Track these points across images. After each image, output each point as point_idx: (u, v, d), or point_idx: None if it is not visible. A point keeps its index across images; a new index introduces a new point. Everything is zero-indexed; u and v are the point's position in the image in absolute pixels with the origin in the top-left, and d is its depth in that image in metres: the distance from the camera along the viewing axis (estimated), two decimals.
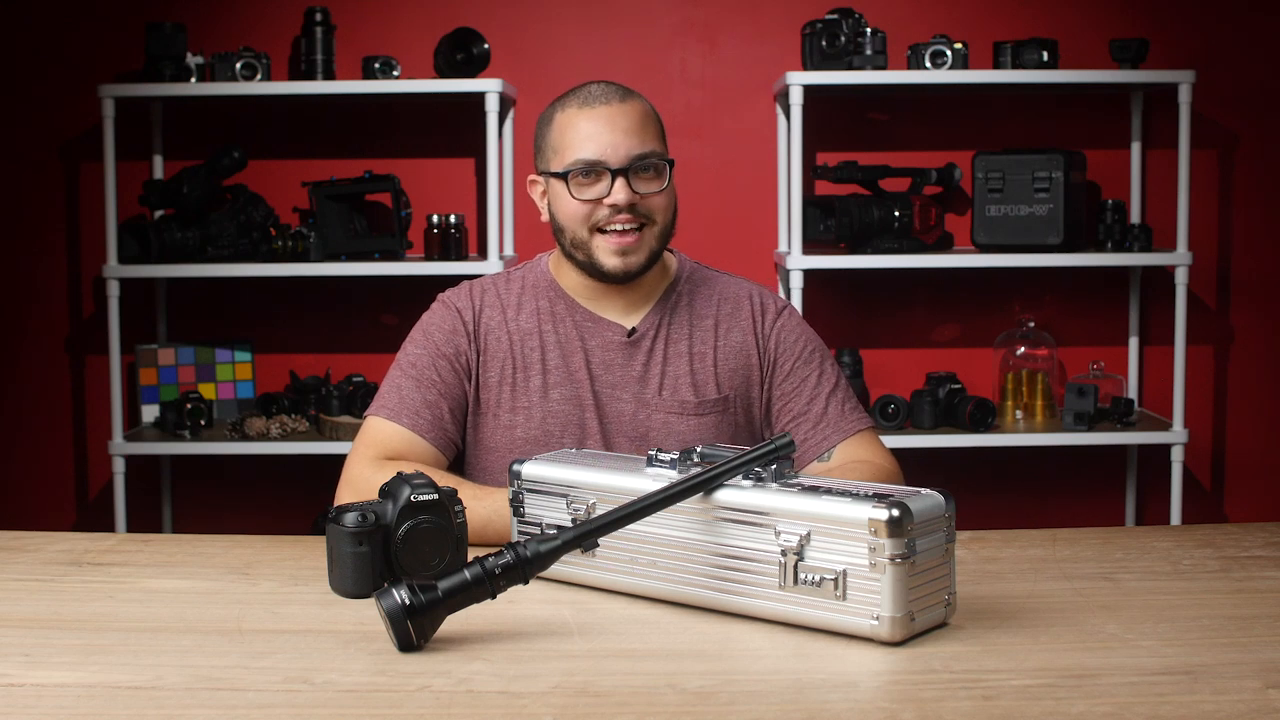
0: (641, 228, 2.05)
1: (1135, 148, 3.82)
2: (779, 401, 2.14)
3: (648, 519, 1.58)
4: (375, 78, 3.60)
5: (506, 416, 2.11)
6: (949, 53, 3.55)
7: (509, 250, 3.69)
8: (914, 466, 3.72)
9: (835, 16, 3.57)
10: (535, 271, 2.18)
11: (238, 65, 3.55)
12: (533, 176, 2.14)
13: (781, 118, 3.74)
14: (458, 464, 2.16)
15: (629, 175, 2.02)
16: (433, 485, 1.68)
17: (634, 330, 2.12)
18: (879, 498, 1.49)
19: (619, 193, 2.02)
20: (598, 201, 2.03)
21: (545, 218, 2.13)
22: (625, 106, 2.04)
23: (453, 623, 1.51)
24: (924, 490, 1.53)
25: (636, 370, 2.11)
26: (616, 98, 2.05)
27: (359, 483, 1.97)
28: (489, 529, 1.88)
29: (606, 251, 2.04)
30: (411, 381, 2.08)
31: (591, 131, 2.02)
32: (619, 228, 2.03)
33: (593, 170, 2.02)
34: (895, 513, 1.46)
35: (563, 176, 2.04)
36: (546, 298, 2.14)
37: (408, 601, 1.46)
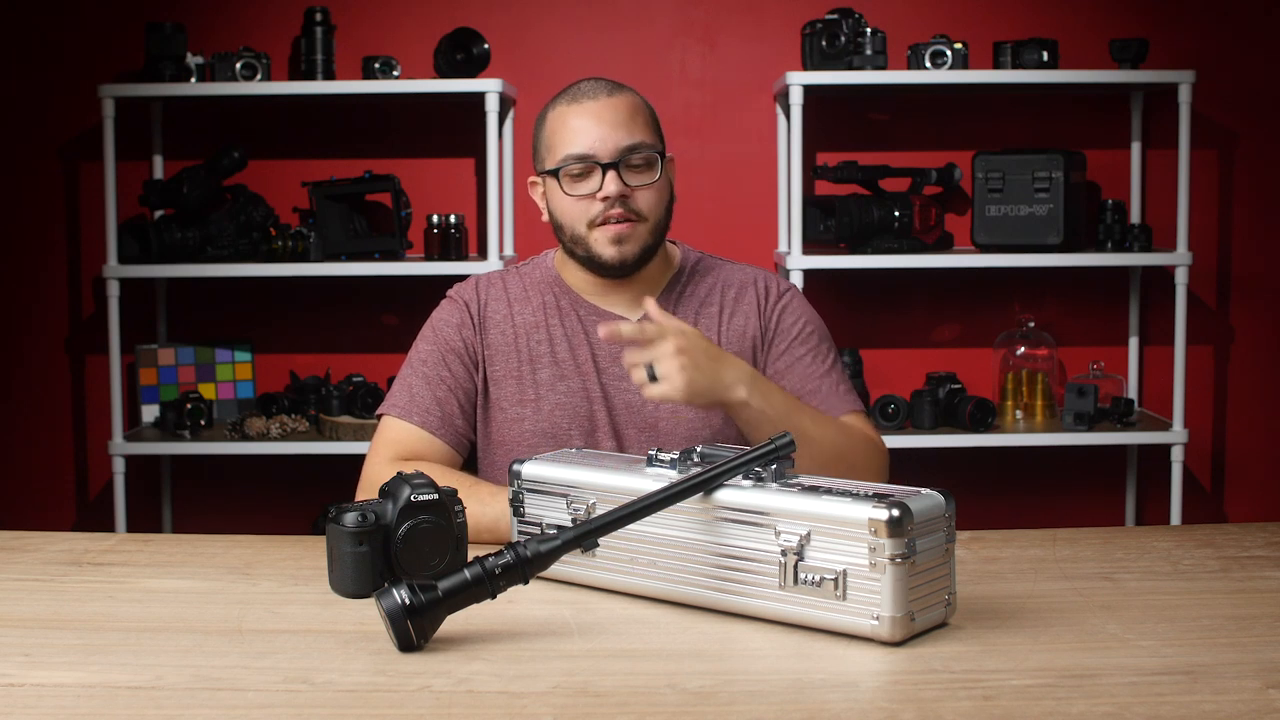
0: (633, 223, 2.05)
1: (1135, 148, 3.82)
2: (773, 380, 2.13)
3: (648, 519, 1.58)
4: (375, 78, 3.60)
5: (514, 410, 2.12)
6: (949, 53, 3.56)
7: (509, 250, 3.69)
8: (914, 466, 3.76)
9: (835, 16, 3.57)
10: (541, 267, 2.20)
11: (238, 65, 3.55)
12: (532, 178, 2.16)
13: (781, 118, 3.74)
14: (469, 459, 2.17)
15: (619, 168, 2.03)
16: (433, 485, 1.68)
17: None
18: (879, 498, 1.49)
19: (610, 185, 2.02)
20: (591, 197, 2.04)
21: (546, 218, 2.14)
22: (613, 100, 2.06)
23: (453, 623, 1.51)
24: (924, 490, 1.53)
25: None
26: (604, 92, 2.06)
27: (377, 482, 1.97)
28: (500, 524, 1.89)
29: (603, 242, 2.05)
30: (422, 379, 2.11)
31: (580, 126, 2.04)
32: (614, 220, 2.04)
33: (583, 165, 2.03)
34: (895, 513, 1.46)
35: (555, 174, 2.05)
36: (552, 293, 2.16)
37: (408, 601, 1.46)
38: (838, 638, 1.50)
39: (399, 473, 1.72)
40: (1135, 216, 3.82)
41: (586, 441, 2.10)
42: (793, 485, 1.57)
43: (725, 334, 2.15)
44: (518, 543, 1.51)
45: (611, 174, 2.03)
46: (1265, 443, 3.94)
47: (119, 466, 3.55)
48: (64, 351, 3.92)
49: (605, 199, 2.03)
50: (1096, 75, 3.61)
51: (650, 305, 1.93)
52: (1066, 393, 3.62)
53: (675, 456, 1.65)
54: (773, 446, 1.59)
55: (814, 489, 1.55)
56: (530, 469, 1.76)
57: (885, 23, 3.71)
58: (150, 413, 3.79)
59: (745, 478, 1.59)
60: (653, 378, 1.86)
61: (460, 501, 1.71)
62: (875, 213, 3.62)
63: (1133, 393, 3.85)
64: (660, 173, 2.07)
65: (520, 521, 1.77)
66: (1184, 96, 3.52)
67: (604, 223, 2.05)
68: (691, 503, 1.59)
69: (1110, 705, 1.31)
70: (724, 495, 1.58)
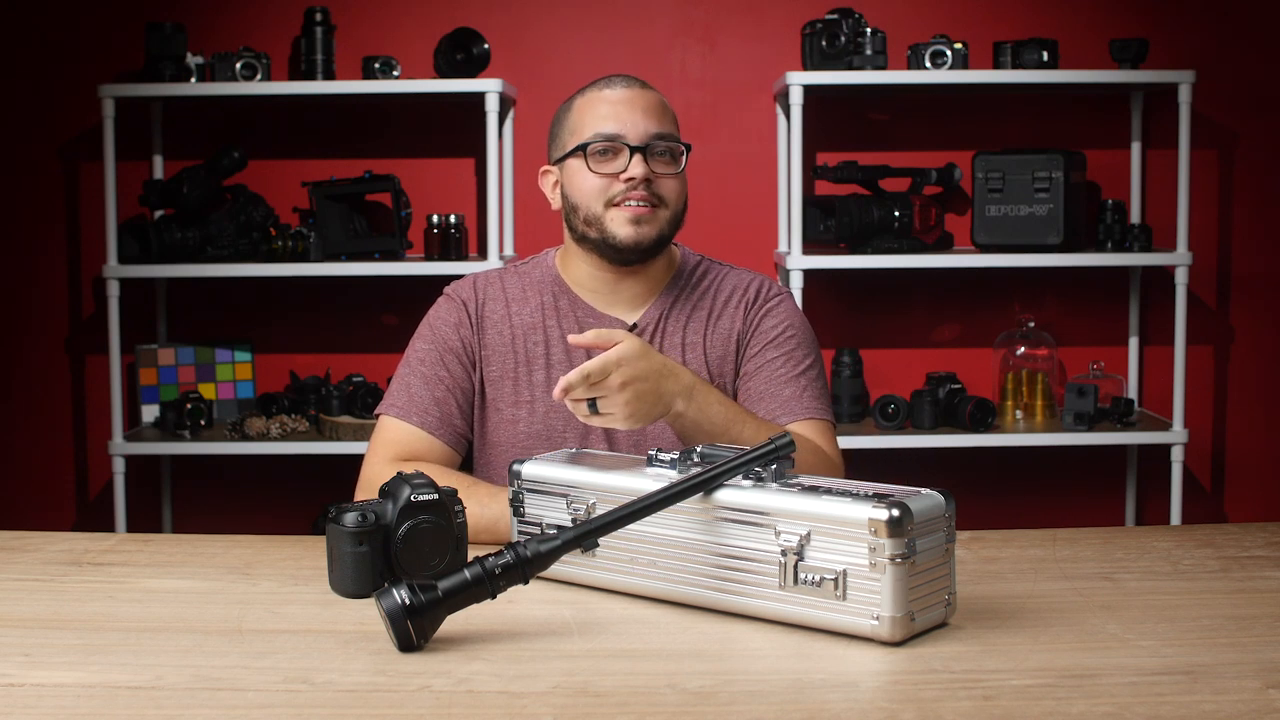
0: (654, 208, 2.06)
1: (1135, 148, 3.82)
2: (742, 381, 2.12)
3: (648, 519, 1.58)
4: (375, 78, 3.60)
5: (509, 411, 2.11)
6: (949, 53, 3.56)
7: (509, 250, 3.69)
8: (914, 466, 3.76)
9: (835, 16, 3.57)
10: (540, 267, 2.19)
11: (238, 65, 3.55)
12: (545, 168, 2.16)
13: (781, 118, 3.74)
14: (465, 459, 2.16)
15: (646, 154, 2.05)
16: (433, 485, 1.68)
17: (634, 325, 2.12)
18: (879, 498, 1.49)
19: (636, 167, 2.04)
20: (614, 176, 2.04)
21: (556, 206, 2.14)
22: (645, 92, 2.10)
23: (453, 623, 1.51)
24: (924, 490, 1.54)
25: None
26: (637, 84, 2.11)
27: (376, 482, 1.97)
28: (499, 524, 1.89)
29: (620, 221, 2.05)
30: (420, 379, 2.11)
31: (611, 111, 2.06)
32: (634, 203, 2.04)
33: (611, 145, 2.05)
34: (895, 513, 1.46)
35: (581, 149, 2.05)
36: (550, 292, 2.15)
37: (408, 601, 1.46)
38: (838, 638, 1.50)
39: (399, 473, 1.72)
40: (1135, 216, 3.82)
41: (580, 444, 2.09)
42: (793, 485, 1.57)
43: (710, 338, 2.13)
44: (518, 543, 1.51)
45: (638, 157, 2.04)
46: (1265, 443, 3.94)
47: (119, 466, 3.55)
48: (64, 351, 3.92)
49: (629, 180, 2.04)
50: (1096, 75, 3.61)
51: (589, 338, 1.86)
52: (1066, 393, 3.62)
53: (675, 456, 1.65)
54: (773, 447, 1.59)
55: (814, 489, 1.55)
56: (530, 469, 1.76)
57: (885, 23, 3.71)
58: (150, 413, 3.79)
59: (745, 478, 1.59)
60: (595, 406, 1.82)
61: (460, 501, 1.71)
62: (875, 213, 3.62)
63: (1133, 393, 3.85)
64: (683, 166, 2.09)
65: (520, 521, 1.77)
66: (1184, 96, 3.52)
67: (623, 202, 2.04)
68: (691, 503, 1.59)
69: (1110, 705, 1.31)
70: (724, 495, 1.58)
